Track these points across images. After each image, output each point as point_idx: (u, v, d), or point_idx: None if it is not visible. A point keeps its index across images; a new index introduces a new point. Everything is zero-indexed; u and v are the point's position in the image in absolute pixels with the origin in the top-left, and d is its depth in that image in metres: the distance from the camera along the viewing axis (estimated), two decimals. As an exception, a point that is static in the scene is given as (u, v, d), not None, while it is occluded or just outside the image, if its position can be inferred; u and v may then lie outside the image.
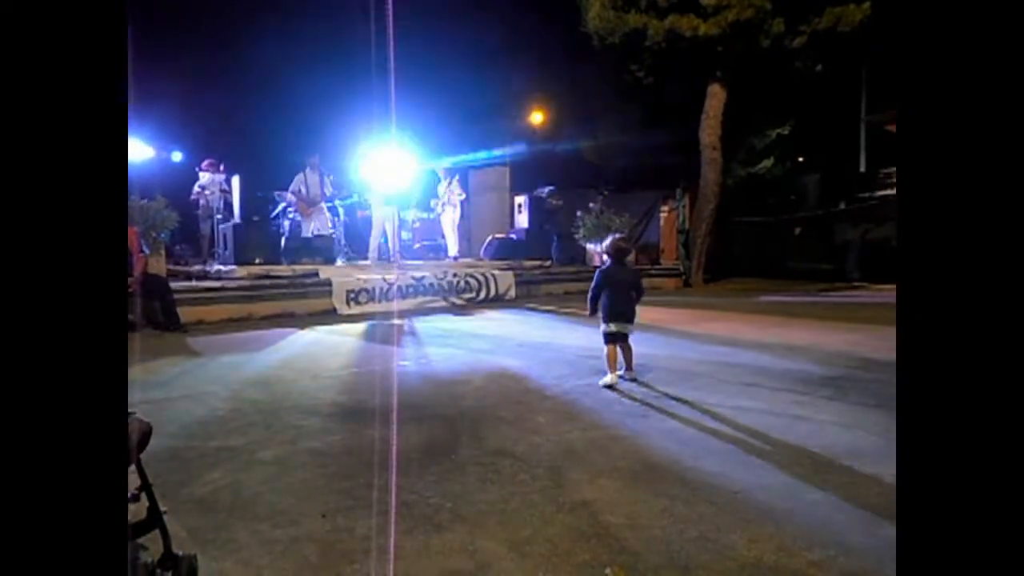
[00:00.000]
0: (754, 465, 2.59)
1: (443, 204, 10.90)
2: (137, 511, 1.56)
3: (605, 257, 4.47)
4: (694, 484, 2.40)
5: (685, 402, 3.59)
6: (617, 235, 4.60)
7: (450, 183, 10.82)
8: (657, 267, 12.56)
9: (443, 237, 11.22)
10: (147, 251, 6.83)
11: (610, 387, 3.94)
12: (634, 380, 4.13)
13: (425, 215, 11.39)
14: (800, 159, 17.48)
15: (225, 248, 9.01)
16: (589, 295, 4.36)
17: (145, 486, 1.56)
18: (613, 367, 4.11)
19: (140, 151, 10.11)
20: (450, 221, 11.01)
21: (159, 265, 7.43)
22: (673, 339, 5.90)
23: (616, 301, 4.26)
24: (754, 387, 3.94)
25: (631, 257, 4.89)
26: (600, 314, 4.28)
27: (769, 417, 3.28)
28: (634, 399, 3.68)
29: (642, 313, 7.73)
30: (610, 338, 4.19)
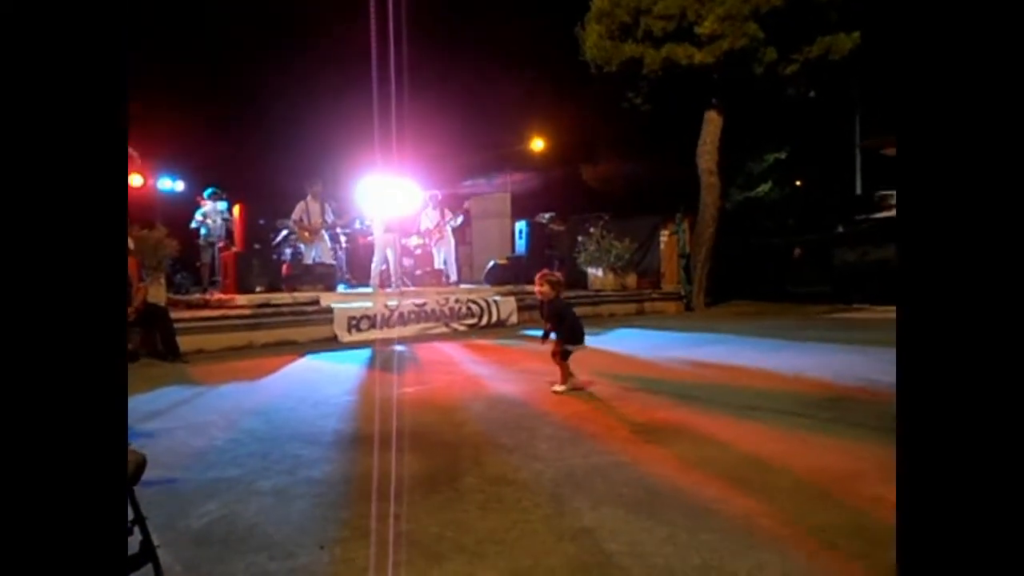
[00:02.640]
0: (757, 490, 2.56)
1: (439, 232, 10.86)
2: (130, 545, 1.54)
3: (546, 289, 4.65)
4: (696, 511, 2.36)
5: (687, 427, 3.56)
6: (547, 271, 4.90)
7: (442, 211, 10.81)
8: (658, 291, 12.57)
9: (445, 264, 11.14)
10: (146, 280, 6.85)
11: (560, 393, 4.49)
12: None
13: (423, 242, 11.43)
14: (797, 183, 17.63)
15: (226, 276, 9.03)
16: (557, 323, 4.67)
17: (139, 519, 1.54)
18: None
19: (140, 181, 10.20)
20: (447, 249, 11.00)
21: (159, 294, 7.45)
22: (675, 363, 5.88)
23: (579, 325, 4.72)
24: (756, 410, 3.91)
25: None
26: (563, 337, 4.63)
27: (771, 441, 3.25)
28: (636, 424, 3.65)
29: (645, 339, 7.75)
30: (570, 355, 4.67)
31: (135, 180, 10.09)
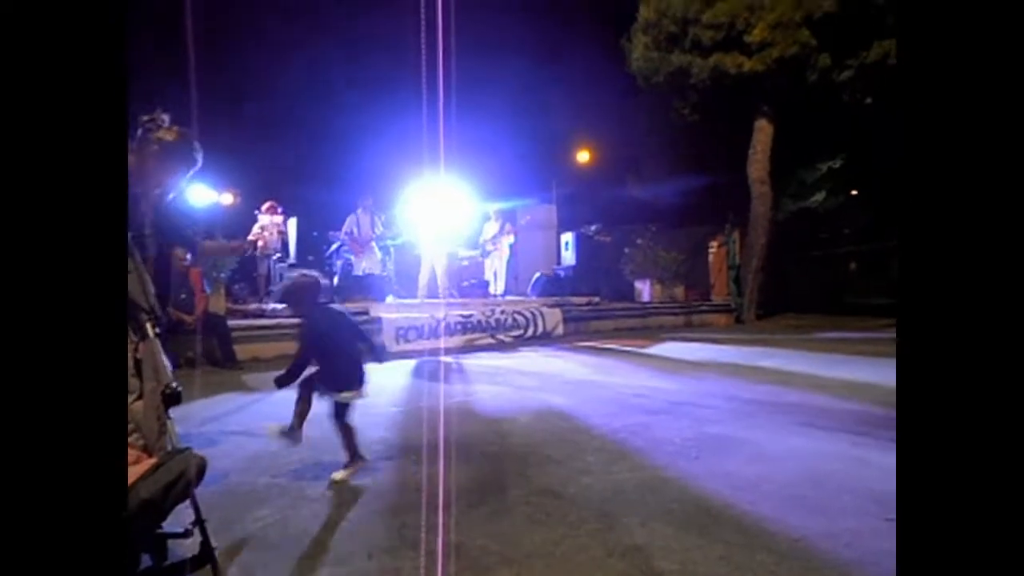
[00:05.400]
0: (815, 511, 2.46)
1: (493, 245, 11.00)
2: (191, 546, 1.60)
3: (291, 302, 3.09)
4: (751, 530, 2.29)
5: (739, 442, 3.46)
6: (301, 273, 3.21)
7: (502, 227, 10.96)
8: (707, 303, 12.32)
9: (494, 276, 11.25)
10: (208, 290, 7.13)
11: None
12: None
13: (474, 253, 11.53)
14: (853, 192, 17.01)
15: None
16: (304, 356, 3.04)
17: (199, 521, 1.59)
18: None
19: (203, 195, 10.63)
20: (499, 262, 11.12)
21: (219, 304, 7.72)
22: (725, 377, 5.73)
23: (346, 359, 3.05)
24: (812, 427, 3.77)
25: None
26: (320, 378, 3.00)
27: (829, 459, 3.12)
28: (686, 439, 3.56)
29: (694, 351, 7.60)
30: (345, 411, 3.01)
31: (208, 196, 10.54)
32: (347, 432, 3.01)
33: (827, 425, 3.82)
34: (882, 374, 5.59)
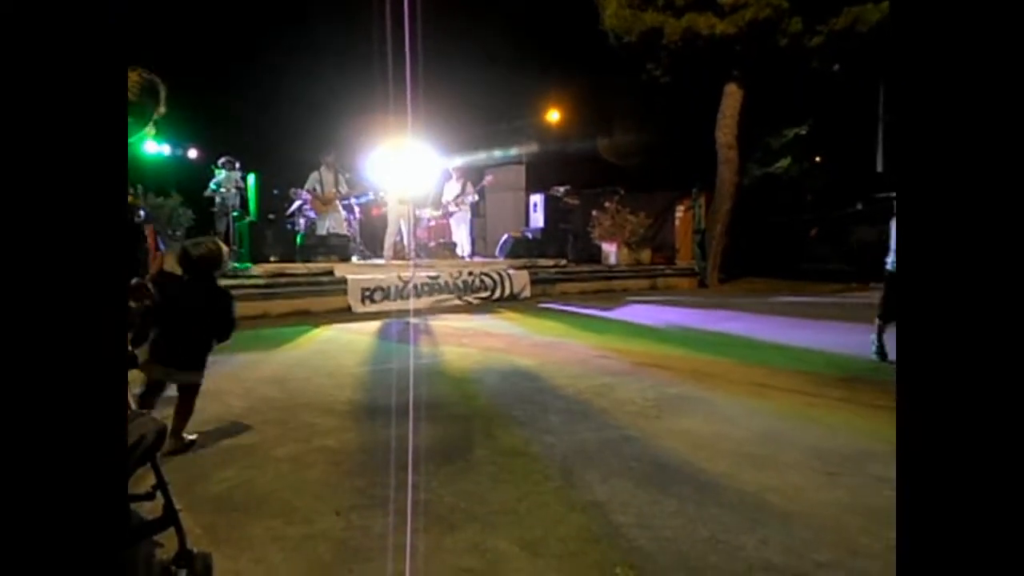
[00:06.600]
0: (765, 467, 2.58)
1: (456, 205, 10.86)
2: (153, 509, 1.59)
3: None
4: (705, 485, 2.39)
5: (698, 402, 3.58)
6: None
7: (464, 185, 10.81)
8: (672, 267, 12.51)
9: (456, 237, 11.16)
10: (164, 249, 6.92)
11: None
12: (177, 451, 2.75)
13: (437, 214, 11.42)
14: (817, 159, 17.29)
15: (240, 246, 9.10)
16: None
17: (160, 484, 1.59)
18: None
19: (156, 148, 10.22)
20: (464, 223, 11.02)
21: (173, 263, 7.53)
22: (687, 339, 5.88)
23: (178, 330, 2.86)
24: (766, 388, 3.92)
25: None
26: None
27: (780, 419, 3.26)
28: (647, 400, 3.67)
29: (657, 313, 7.75)
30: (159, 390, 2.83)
31: (161, 150, 10.08)
32: (187, 414, 2.89)
33: (781, 386, 3.97)
34: (835, 337, 5.81)
